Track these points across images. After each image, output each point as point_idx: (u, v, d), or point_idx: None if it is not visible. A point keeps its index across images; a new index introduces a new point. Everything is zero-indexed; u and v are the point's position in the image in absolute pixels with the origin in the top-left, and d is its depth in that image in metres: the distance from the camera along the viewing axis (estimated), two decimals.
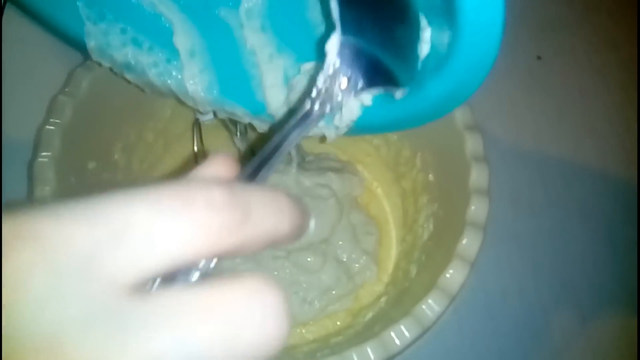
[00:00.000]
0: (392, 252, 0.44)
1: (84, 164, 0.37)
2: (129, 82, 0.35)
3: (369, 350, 0.30)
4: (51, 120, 0.35)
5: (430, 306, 0.31)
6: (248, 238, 0.15)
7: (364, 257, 0.43)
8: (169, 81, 0.33)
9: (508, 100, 0.51)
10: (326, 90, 0.24)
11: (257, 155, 0.20)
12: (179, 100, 0.35)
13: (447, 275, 0.31)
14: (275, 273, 0.41)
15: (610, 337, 0.43)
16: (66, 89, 0.36)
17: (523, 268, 0.45)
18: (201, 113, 0.36)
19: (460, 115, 0.36)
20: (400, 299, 0.37)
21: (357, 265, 0.43)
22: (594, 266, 0.45)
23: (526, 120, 0.51)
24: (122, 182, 0.42)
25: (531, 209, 0.47)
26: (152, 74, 0.33)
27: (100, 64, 0.35)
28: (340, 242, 0.43)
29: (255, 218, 0.15)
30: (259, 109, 0.32)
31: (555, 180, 0.48)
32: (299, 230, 0.17)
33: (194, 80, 0.32)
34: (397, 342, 0.30)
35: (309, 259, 0.41)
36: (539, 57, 0.54)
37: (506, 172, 0.48)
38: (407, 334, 0.30)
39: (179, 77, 0.32)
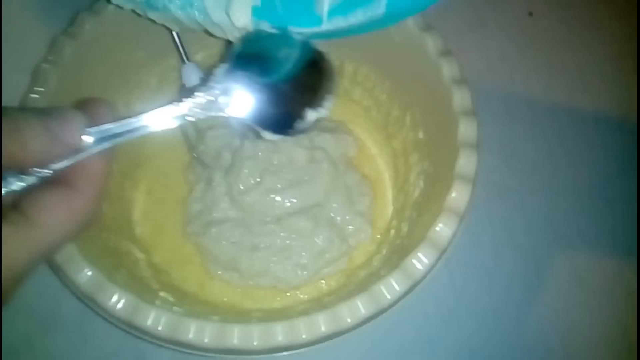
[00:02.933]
0: (385, 211, 0.44)
1: None
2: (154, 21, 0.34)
3: (359, 304, 0.30)
4: (35, 88, 0.35)
5: (420, 259, 0.31)
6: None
7: (358, 219, 0.43)
8: (192, 12, 0.32)
9: (499, 57, 0.51)
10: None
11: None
12: (208, 32, 0.34)
13: (437, 229, 0.31)
14: (266, 239, 0.41)
15: (605, 290, 0.43)
16: (49, 57, 0.36)
17: (516, 224, 0.45)
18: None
19: (447, 70, 0.35)
20: (392, 257, 0.37)
21: (350, 227, 0.43)
22: (587, 220, 0.45)
23: (517, 76, 0.51)
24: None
25: (523, 165, 0.47)
26: (174, 7, 0.32)
27: (121, 7, 0.34)
28: (334, 205, 0.42)
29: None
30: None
31: (547, 135, 0.48)
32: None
33: (217, 5, 0.31)
34: (388, 295, 0.30)
35: (300, 224, 0.41)
36: (530, 14, 0.54)
37: (497, 129, 0.47)
38: (397, 287, 0.30)
39: (202, 5, 0.32)
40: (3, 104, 0.39)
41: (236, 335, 0.29)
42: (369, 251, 0.42)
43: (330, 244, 0.41)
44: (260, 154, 0.42)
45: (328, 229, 0.41)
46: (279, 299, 0.41)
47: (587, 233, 0.45)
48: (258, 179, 0.42)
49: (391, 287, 0.30)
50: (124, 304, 0.30)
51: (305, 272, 0.41)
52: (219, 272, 0.41)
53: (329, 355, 0.40)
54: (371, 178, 0.45)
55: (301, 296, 0.41)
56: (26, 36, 0.43)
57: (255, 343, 0.29)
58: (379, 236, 0.43)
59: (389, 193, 0.45)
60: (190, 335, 0.29)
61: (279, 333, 0.29)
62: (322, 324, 0.30)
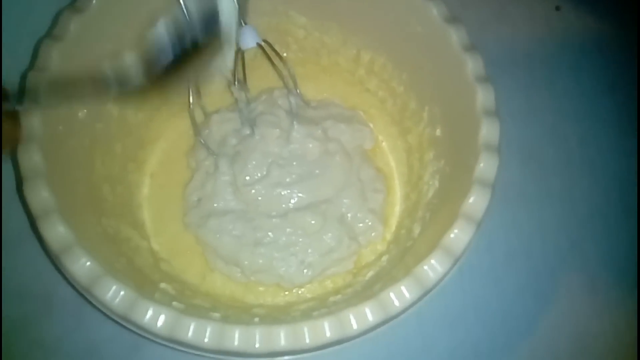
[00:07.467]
0: (396, 209, 0.42)
1: (73, 113, 0.36)
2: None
3: (367, 311, 0.28)
4: (37, 65, 0.33)
5: (433, 267, 0.29)
6: None
7: (370, 217, 0.41)
8: None
9: (523, 53, 0.49)
10: None
11: None
12: None
13: (452, 235, 0.30)
14: (270, 234, 0.40)
15: (619, 302, 0.42)
16: (53, 32, 0.34)
17: (530, 229, 0.43)
18: None
19: (472, 66, 0.34)
20: (403, 258, 0.35)
21: (361, 225, 0.41)
22: (604, 229, 0.44)
23: (540, 74, 0.48)
24: (116, 134, 0.40)
25: (541, 168, 0.45)
26: None
27: None
28: (346, 201, 0.41)
29: None
30: None
31: (568, 138, 0.46)
32: None
33: None
34: (397, 303, 0.29)
35: (308, 220, 0.40)
36: (557, 8, 0.51)
37: (516, 129, 0.46)
38: (407, 295, 0.29)
39: None
40: (3, 80, 0.38)
41: (237, 337, 0.28)
42: (378, 250, 0.41)
43: (339, 243, 0.39)
44: (270, 145, 0.40)
45: (337, 226, 0.40)
46: (282, 295, 0.40)
47: (603, 243, 0.43)
48: (265, 172, 0.40)
49: (401, 294, 0.29)
50: (122, 298, 0.28)
51: (310, 271, 0.39)
52: (220, 266, 0.40)
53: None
54: (383, 173, 0.43)
55: (306, 294, 0.40)
56: (29, 9, 0.41)
57: (257, 346, 0.28)
58: (388, 235, 0.41)
59: (400, 190, 0.43)
60: (190, 335, 0.28)
61: (282, 337, 0.28)
62: (327, 329, 0.28)
